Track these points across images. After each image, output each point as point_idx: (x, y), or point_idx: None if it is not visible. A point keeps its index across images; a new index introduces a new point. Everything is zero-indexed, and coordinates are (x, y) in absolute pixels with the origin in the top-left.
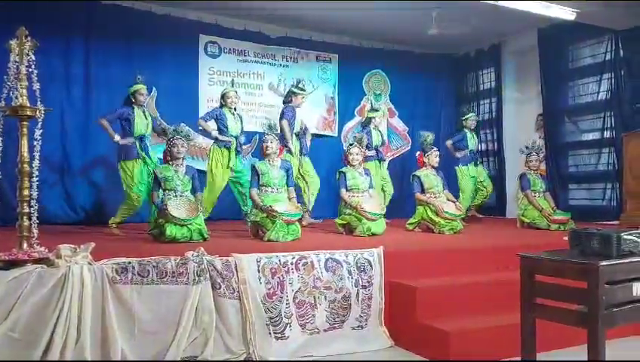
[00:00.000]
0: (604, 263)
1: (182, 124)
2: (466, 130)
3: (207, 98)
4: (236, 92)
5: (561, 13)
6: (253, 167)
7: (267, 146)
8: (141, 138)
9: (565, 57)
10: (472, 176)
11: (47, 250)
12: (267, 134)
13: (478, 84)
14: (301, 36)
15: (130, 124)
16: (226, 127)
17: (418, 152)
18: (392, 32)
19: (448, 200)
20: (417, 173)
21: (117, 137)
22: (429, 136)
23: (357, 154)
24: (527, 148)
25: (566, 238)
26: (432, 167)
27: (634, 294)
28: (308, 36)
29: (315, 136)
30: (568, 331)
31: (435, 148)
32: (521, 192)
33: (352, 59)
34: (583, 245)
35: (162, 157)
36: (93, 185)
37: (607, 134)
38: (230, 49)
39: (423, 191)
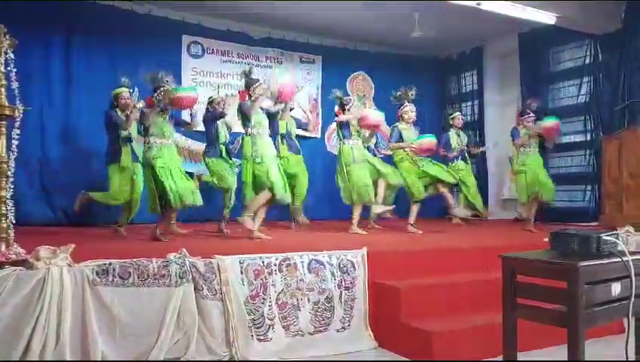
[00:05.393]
0: (583, 263)
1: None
2: (452, 130)
3: None
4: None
5: (541, 18)
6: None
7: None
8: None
9: (545, 61)
10: (461, 168)
11: (25, 252)
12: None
13: (461, 87)
14: (285, 37)
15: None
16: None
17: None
18: (376, 34)
19: None
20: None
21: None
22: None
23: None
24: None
25: (547, 239)
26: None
27: (613, 294)
28: (292, 37)
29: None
30: (549, 331)
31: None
32: (513, 142)
33: (336, 61)
34: (564, 246)
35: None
36: (72, 185)
37: (586, 137)
38: (213, 49)
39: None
